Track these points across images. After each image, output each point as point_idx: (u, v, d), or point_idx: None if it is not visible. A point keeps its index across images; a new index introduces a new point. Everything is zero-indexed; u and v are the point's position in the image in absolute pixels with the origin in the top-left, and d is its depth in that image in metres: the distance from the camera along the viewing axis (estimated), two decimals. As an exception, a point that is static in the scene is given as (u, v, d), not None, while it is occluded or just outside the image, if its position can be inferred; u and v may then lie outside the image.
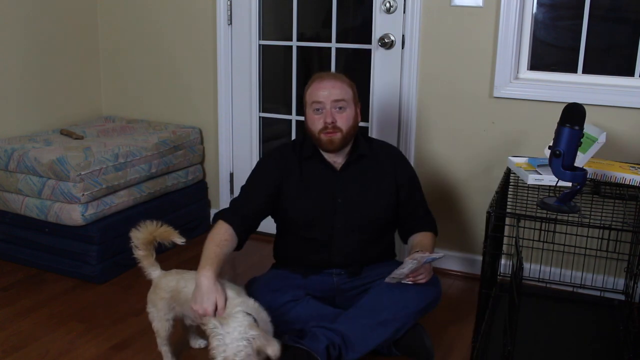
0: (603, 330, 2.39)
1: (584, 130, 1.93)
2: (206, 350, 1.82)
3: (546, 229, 1.97)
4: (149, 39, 3.38)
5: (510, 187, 2.37)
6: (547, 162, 1.99)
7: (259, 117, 3.26)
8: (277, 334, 2.08)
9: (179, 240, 2.04)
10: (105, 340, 2.31)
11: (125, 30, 3.43)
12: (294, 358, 1.97)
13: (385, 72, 2.87)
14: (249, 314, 1.79)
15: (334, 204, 2.25)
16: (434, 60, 2.78)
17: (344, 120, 2.18)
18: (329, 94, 2.17)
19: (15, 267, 2.90)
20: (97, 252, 2.74)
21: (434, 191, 2.85)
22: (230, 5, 3.14)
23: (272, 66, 3.32)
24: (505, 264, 2.75)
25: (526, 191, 2.26)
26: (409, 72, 2.81)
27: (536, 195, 2.21)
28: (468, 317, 2.42)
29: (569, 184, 1.95)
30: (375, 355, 2.16)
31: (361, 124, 2.33)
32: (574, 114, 1.89)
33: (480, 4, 2.64)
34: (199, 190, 3.37)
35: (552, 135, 1.93)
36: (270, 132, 3.32)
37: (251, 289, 2.24)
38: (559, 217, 1.93)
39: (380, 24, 2.82)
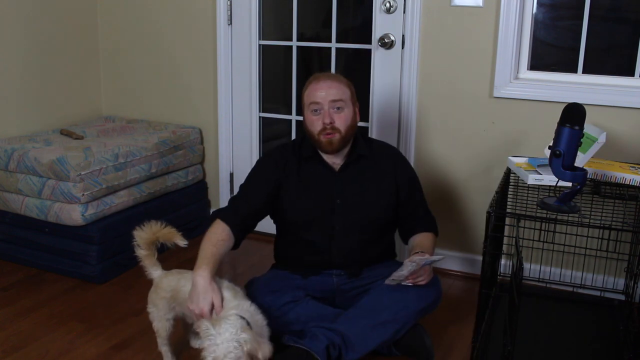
0: (603, 330, 2.39)
1: (584, 130, 1.93)
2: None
3: (546, 229, 1.97)
4: (149, 39, 3.38)
5: (510, 187, 2.37)
6: (547, 162, 1.99)
7: (259, 117, 3.26)
8: (277, 335, 2.09)
9: (182, 242, 2.04)
10: (105, 340, 2.31)
11: (125, 30, 3.43)
12: (294, 358, 1.97)
13: (385, 72, 2.87)
14: (242, 317, 1.79)
15: (333, 205, 2.25)
16: (434, 60, 2.78)
17: (342, 120, 2.18)
18: (326, 95, 2.16)
19: (15, 267, 2.90)
20: (97, 252, 2.74)
21: (434, 191, 2.85)
22: (230, 5, 3.14)
23: (272, 66, 3.31)
24: (505, 264, 2.75)
25: (526, 191, 2.26)
26: (409, 72, 2.81)
27: (536, 195, 2.21)
28: (468, 317, 2.42)
29: (569, 184, 1.95)
30: (375, 355, 2.16)
31: (361, 124, 2.33)
32: (574, 114, 1.89)
33: (480, 4, 2.64)
34: (199, 190, 3.37)
35: (552, 135, 1.93)
36: (270, 132, 3.32)
37: (251, 290, 2.24)
38: (559, 217, 1.93)
39: (380, 24, 2.83)
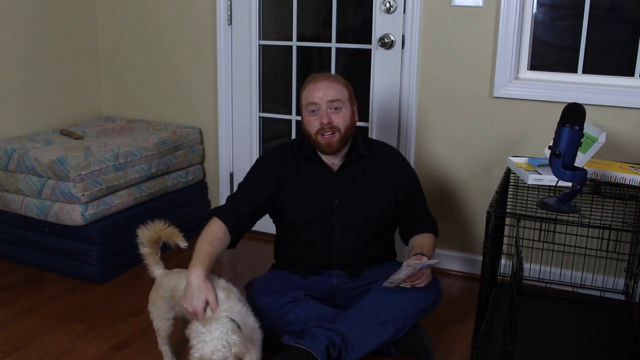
0: (603, 330, 2.39)
1: (584, 130, 1.93)
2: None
3: (546, 229, 1.97)
4: (149, 39, 3.38)
5: (510, 187, 2.37)
6: (547, 162, 1.99)
7: (259, 117, 3.26)
8: (277, 335, 2.09)
9: (182, 243, 2.04)
10: (105, 340, 2.31)
11: (125, 30, 3.43)
12: (294, 358, 1.97)
13: (385, 72, 2.87)
14: (232, 320, 1.79)
15: (332, 205, 2.25)
16: (434, 60, 2.78)
17: (341, 120, 2.18)
18: (323, 95, 2.17)
19: (15, 267, 2.90)
20: (97, 252, 2.74)
21: (434, 191, 2.85)
22: (230, 5, 3.14)
23: (272, 66, 3.31)
24: (505, 264, 2.75)
25: (526, 191, 2.26)
26: (409, 72, 2.81)
27: (536, 195, 2.21)
28: (468, 317, 2.42)
29: (569, 184, 1.95)
30: (375, 355, 2.16)
31: (361, 124, 2.33)
32: (574, 114, 1.89)
33: (480, 4, 2.64)
34: (199, 190, 3.37)
35: (552, 135, 1.93)
36: (270, 132, 3.32)
37: (251, 290, 2.24)
38: (559, 217, 1.93)
39: (380, 24, 2.82)
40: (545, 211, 1.97)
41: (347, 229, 2.26)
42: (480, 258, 2.12)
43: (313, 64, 3.32)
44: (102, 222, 2.78)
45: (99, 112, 3.58)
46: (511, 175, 2.37)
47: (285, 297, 2.18)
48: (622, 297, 2.58)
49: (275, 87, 3.39)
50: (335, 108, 2.18)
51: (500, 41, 2.63)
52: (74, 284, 2.76)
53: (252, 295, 2.20)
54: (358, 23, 3.21)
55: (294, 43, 3.11)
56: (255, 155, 3.26)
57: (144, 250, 2.07)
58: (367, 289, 2.23)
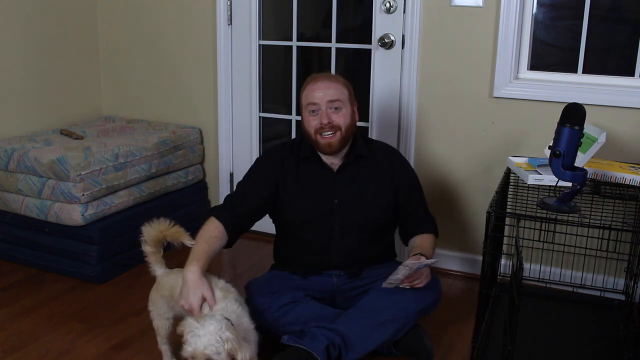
0: (603, 330, 2.39)
1: (584, 130, 1.93)
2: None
3: (546, 229, 1.97)
4: (149, 39, 3.38)
5: (510, 187, 2.37)
6: (547, 162, 1.99)
7: (259, 117, 3.26)
8: (277, 335, 2.09)
9: (189, 242, 2.04)
10: (105, 340, 2.31)
11: (125, 30, 3.43)
12: (294, 358, 1.97)
13: (385, 72, 2.87)
14: (227, 319, 1.79)
15: (332, 205, 2.25)
16: (434, 60, 2.78)
17: (341, 119, 2.18)
18: (323, 95, 2.17)
19: (15, 267, 2.90)
20: (97, 252, 2.74)
21: (434, 191, 2.85)
22: (230, 5, 3.14)
23: (272, 66, 3.31)
24: (505, 264, 2.75)
25: (526, 191, 2.26)
26: (409, 72, 2.81)
27: (536, 195, 2.21)
28: (468, 317, 2.42)
29: (569, 184, 1.95)
30: (375, 355, 2.16)
31: (361, 124, 2.33)
32: (574, 114, 1.89)
33: (480, 4, 2.64)
34: (199, 190, 3.37)
35: (552, 135, 1.93)
36: (270, 132, 3.32)
37: (251, 290, 2.24)
38: (559, 217, 1.93)
39: (380, 24, 2.82)
40: (545, 211, 1.97)
41: (347, 229, 2.26)
42: (480, 258, 2.12)
43: (313, 64, 3.32)
44: (102, 222, 2.78)
45: (99, 112, 3.58)
46: (511, 175, 2.37)
47: (285, 297, 2.18)
48: (622, 297, 2.58)
49: (275, 87, 3.39)
50: (336, 108, 2.18)
51: (500, 41, 2.63)
52: (74, 284, 2.76)
53: (252, 296, 2.20)
54: (358, 23, 3.21)
55: (294, 43, 3.11)
56: (255, 155, 3.26)
57: (147, 248, 2.07)
58: (367, 289, 2.23)
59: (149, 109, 3.48)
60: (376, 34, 2.84)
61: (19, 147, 2.82)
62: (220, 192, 3.38)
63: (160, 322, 2.06)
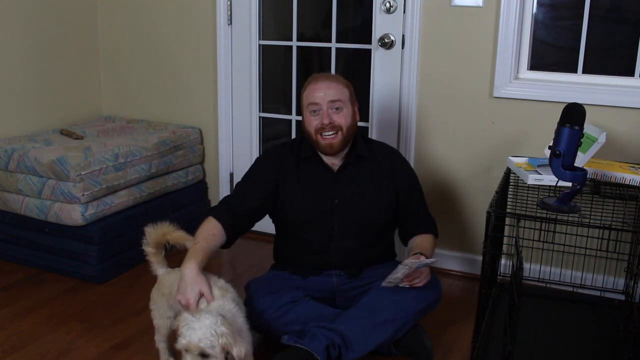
0: (603, 330, 2.39)
1: (584, 130, 1.93)
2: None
3: (546, 229, 1.97)
4: (149, 39, 3.38)
5: (510, 187, 2.37)
6: (547, 162, 1.99)
7: (259, 117, 3.26)
8: (277, 335, 2.08)
9: (191, 244, 2.04)
10: (105, 340, 2.31)
11: (125, 30, 3.43)
12: (294, 358, 1.97)
13: (385, 72, 2.87)
14: (222, 316, 1.79)
15: (332, 205, 2.25)
16: (434, 61, 2.78)
17: (342, 119, 2.18)
18: (324, 95, 2.16)
19: (15, 267, 2.90)
20: (97, 252, 2.74)
21: (434, 191, 2.85)
22: (230, 5, 3.14)
23: (272, 66, 3.31)
24: (505, 264, 2.75)
25: (526, 191, 2.26)
26: (409, 72, 2.81)
27: (536, 195, 2.21)
28: (468, 317, 2.42)
29: (569, 184, 1.95)
30: (375, 355, 2.16)
31: (361, 123, 2.33)
32: (574, 114, 1.89)
33: (480, 4, 2.64)
34: (199, 190, 3.37)
35: (552, 135, 1.93)
36: (270, 132, 3.32)
37: (251, 290, 2.24)
38: (559, 217, 1.93)
39: (380, 24, 2.82)
40: (545, 211, 1.97)
41: (347, 229, 2.26)
42: (480, 258, 2.12)
43: (313, 64, 3.32)
44: (102, 222, 2.78)
45: (99, 112, 3.58)
46: (511, 175, 2.37)
47: (285, 297, 2.18)
48: (622, 297, 2.58)
49: (275, 87, 3.39)
50: (337, 108, 2.18)
51: (500, 41, 2.63)
52: (74, 284, 2.76)
53: (252, 295, 2.20)
54: (358, 23, 3.21)
55: (294, 43, 3.11)
56: (255, 155, 3.26)
57: (148, 249, 2.07)
58: (367, 289, 2.23)
59: (149, 109, 3.48)
60: (376, 34, 2.84)
61: (19, 147, 2.82)
62: (220, 192, 3.38)
63: (161, 320, 2.06)
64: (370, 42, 2.88)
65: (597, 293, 2.64)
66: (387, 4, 2.78)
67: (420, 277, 2.13)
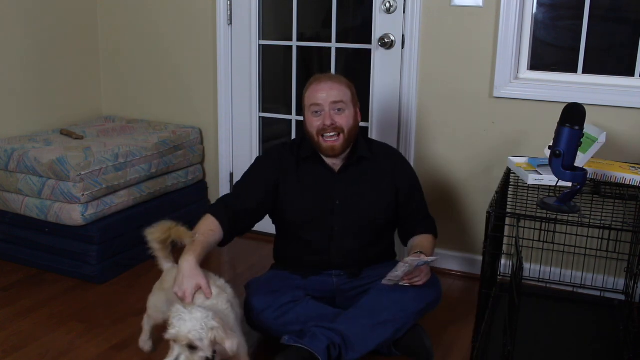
0: (603, 330, 2.39)
1: (584, 130, 1.93)
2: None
3: (546, 229, 1.97)
4: (149, 39, 3.38)
5: (510, 187, 2.37)
6: (547, 162, 1.99)
7: (259, 117, 3.26)
8: (277, 335, 2.08)
9: (190, 240, 2.04)
10: (105, 340, 2.31)
11: (125, 30, 3.43)
12: (294, 358, 1.97)
13: (385, 72, 2.87)
14: (214, 312, 1.80)
15: (332, 206, 2.25)
16: (434, 61, 2.78)
17: (344, 121, 2.18)
18: (327, 96, 2.16)
19: (15, 267, 2.90)
20: (97, 252, 2.74)
21: (434, 191, 2.85)
22: (230, 5, 3.14)
23: (272, 66, 3.31)
24: (505, 264, 2.75)
25: (526, 191, 2.26)
26: (409, 72, 2.81)
27: (536, 195, 2.21)
28: (468, 317, 2.42)
29: (569, 184, 1.95)
30: (375, 355, 2.16)
31: (361, 124, 2.32)
32: (574, 114, 1.89)
33: (480, 4, 2.64)
34: (199, 190, 3.37)
35: (552, 135, 1.93)
36: (270, 132, 3.32)
37: (250, 290, 2.24)
38: (559, 217, 1.93)
39: (380, 24, 2.83)
40: (545, 211, 1.97)
41: (347, 229, 2.26)
42: (480, 258, 2.12)
43: (313, 64, 3.32)
44: (102, 222, 2.78)
45: (99, 112, 3.58)
46: (511, 175, 2.37)
47: (286, 296, 2.18)
48: (622, 297, 2.58)
49: (275, 87, 3.39)
50: (339, 109, 2.17)
51: (500, 41, 2.63)
52: (74, 284, 2.76)
53: (252, 295, 2.20)
54: (358, 23, 3.21)
55: (294, 43, 3.11)
56: (255, 155, 3.26)
57: (154, 246, 2.07)
58: (367, 288, 2.23)
59: (149, 109, 3.48)
60: (376, 34, 2.84)
61: (19, 147, 2.82)
62: (220, 192, 3.38)
63: (155, 313, 2.09)
64: (370, 42, 2.89)
65: (597, 293, 2.64)
66: (387, 4, 2.78)
67: (421, 275, 2.13)
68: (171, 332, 1.70)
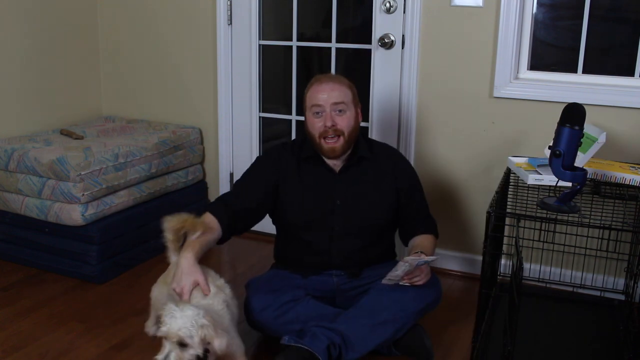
0: (603, 330, 2.39)
1: (584, 130, 1.93)
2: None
3: (546, 229, 1.97)
4: (149, 39, 3.38)
5: (510, 187, 2.37)
6: (547, 162, 1.99)
7: (259, 117, 3.26)
8: (276, 336, 2.08)
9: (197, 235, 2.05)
10: (105, 340, 2.31)
11: (125, 30, 3.43)
12: (294, 358, 1.97)
13: (385, 72, 2.87)
14: (206, 310, 1.81)
15: (333, 206, 2.25)
16: (434, 61, 2.78)
17: (345, 122, 2.18)
18: (328, 97, 2.16)
19: (15, 267, 2.90)
20: (97, 252, 2.74)
21: (434, 191, 2.85)
22: (230, 5, 3.14)
23: (272, 66, 3.31)
24: (505, 264, 2.75)
25: (526, 191, 2.26)
26: (409, 72, 2.81)
27: (536, 195, 2.21)
28: (468, 317, 2.42)
29: (569, 184, 1.95)
30: (375, 355, 2.16)
31: (361, 124, 2.32)
32: (574, 114, 1.89)
33: (480, 4, 2.64)
34: (199, 190, 3.37)
35: (552, 135, 1.93)
36: (270, 132, 3.32)
37: (251, 289, 2.24)
38: (559, 217, 1.93)
39: (380, 24, 2.83)
40: (545, 211, 1.97)
41: (348, 230, 2.26)
42: (480, 258, 2.12)
43: (313, 64, 3.32)
44: (102, 222, 2.78)
45: (99, 112, 3.58)
46: (511, 175, 2.37)
47: (286, 295, 2.18)
48: (622, 297, 2.58)
49: (275, 87, 3.39)
50: (340, 110, 2.17)
51: (500, 41, 2.63)
52: (74, 284, 2.76)
53: (252, 294, 2.20)
54: (358, 23, 3.21)
55: (294, 43, 3.11)
56: (255, 155, 3.25)
57: (168, 236, 2.07)
58: (367, 288, 2.23)
59: (149, 109, 3.48)
60: (376, 34, 2.84)
61: (19, 147, 2.82)
62: (220, 192, 3.37)
63: (157, 304, 2.09)
64: (370, 42, 2.89)
65: (597, 293, 2.64)
66: (387, 4, 2.78)
67: (421, 275, 2.13)
68: (162, 330, 1.72)
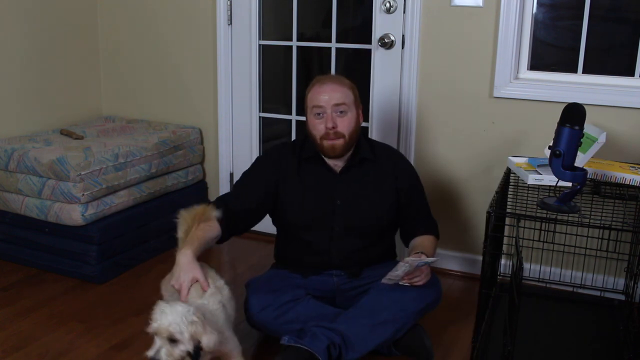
0: (603, 330, 2.39)
1: (584, 130, 1.93)
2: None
3: (546, 229, 1.97)
4: (149, 39, 3.38)
5: (510, 187, 2.38)
6: (547, 162, 1.99)
7: (259, 117, 3.26)
8: (276, 335, 2.08)
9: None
10: (105, 340, 2.31)
11: (125, 30, 3.43)
12: (294, 358, 1.97)
13: (385, 72, 2.87)
14: (196, 307, 1.81)
15: (333, 206, 2.25)
16: (434, 61, 2.78)
17: (346, 124, 2.17)
18: (329, 98, 2.16)
19: (15, 267, 2.90)
20: (97, 252, 2.74)
21: (434, 191, 2.85)
22: (230, 5, 3.14)
23: (272, 66, 3.31)
24: (505, 264, 2.75)
25: (526, 191, 2.26)
26: (409, 72, 2.81)
27: (536, 195, 2.21)
28: (468, 317, 2.42)
29: (569, 184, 1.95)
30: (375, 355, 2.16)
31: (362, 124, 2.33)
32: (574, 114, 1.89)
33: (480, 4, 2.64)
34: (199, 190, 3.37)
35: (552, 135, 1.93)
36: (270, 132, 3.32)
37: (251, 289, 2.24)
38: (559, 217, 1.93)
39: (380, 24, 2.83)
40: (545, 211, 1.97)
41: (348, 231, 2.26)
42: (480, 258, 2.12)
43: (313, 64, 3.32)
44: (102, 222, 2.78)
45: (99, 112, 3.58)
46: (511, 175, 2.37)
47: (286, 295, 2.18)
48: (622, 297, 2.58)
49: (275, 87, 3.39)
50: (341, 112, 2.17)
51: (500, 41, 2.63)
52: (74, 284, 2.76)
53: (252, 294, 2.20)
54: (358, 23, 3.21)
55: (294, 43, 3.11)
56: (255, 155, 3.25)
57: (182, 227, 2.06)
58: (367, 288, 2.23)
59: (149, 109, 3.48)
60: (376, 34, 2.84)
61: (19, 147, 2.82)
62: (220, 192, 3.38)
63: (166, 294, 2.07)
64: (370, 42, 2.89)
65: (597, 293, 2.64)
66: (387, 4, 2.78)
67: (421, 275, 2.13)
68: (153, 326, 1.72)
